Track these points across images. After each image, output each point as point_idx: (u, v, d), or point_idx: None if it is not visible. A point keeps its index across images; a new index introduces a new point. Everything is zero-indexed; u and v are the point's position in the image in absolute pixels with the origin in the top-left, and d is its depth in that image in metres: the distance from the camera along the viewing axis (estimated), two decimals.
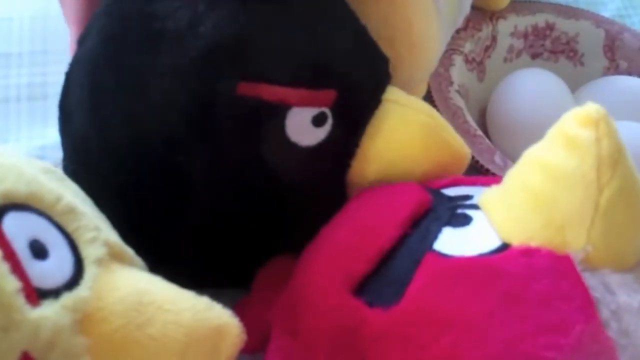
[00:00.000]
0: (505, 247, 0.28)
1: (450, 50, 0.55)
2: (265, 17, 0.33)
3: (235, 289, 0.37)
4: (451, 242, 0.29)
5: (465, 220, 0.30)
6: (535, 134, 0.30)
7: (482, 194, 0.31)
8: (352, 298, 0.28)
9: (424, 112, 0.37)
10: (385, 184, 0.35)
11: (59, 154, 0.38)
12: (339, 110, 0.35)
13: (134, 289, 0.26)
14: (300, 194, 0.35)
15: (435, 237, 0.29)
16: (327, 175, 0.36)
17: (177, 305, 0.26)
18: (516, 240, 0.28)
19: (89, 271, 0.26)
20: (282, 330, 0.31)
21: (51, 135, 0.41)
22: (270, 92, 0.33)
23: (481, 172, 0.47)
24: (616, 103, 0.56)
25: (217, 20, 0.33)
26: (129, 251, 0.29)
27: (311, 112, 0.34)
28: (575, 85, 0.58)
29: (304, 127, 0.34)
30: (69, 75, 0.37)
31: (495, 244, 0.28)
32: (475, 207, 0.31)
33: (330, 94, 0.34)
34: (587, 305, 0.25)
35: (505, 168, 0.46)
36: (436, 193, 0.33)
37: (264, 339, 0.33)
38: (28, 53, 0.52)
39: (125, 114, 0.34)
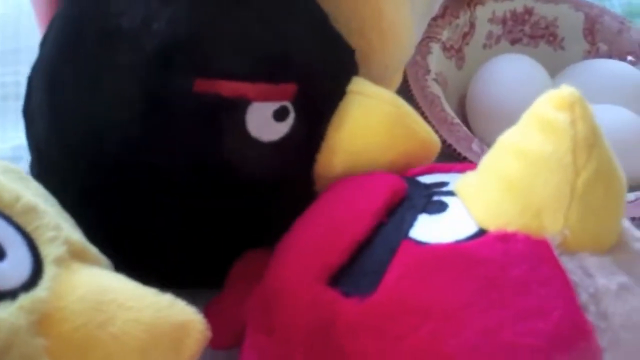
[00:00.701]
0: (481, 233, 0.27)
1: (427, 38, 0.55)
2: (221, 12, 0.33)
3: (211, 288, 0.36)
4: (427, 229, 0.28)
5: (441, 207, 0.29)
6: (515, 120, 0.29)
7: (457, 181, 0.31)
8: (328, 290, 0.28)
9: (389, 102, 0.36)
10: (355, 175, 0.34)
11: None
12: (300, 104, 0.34)
13: (94, 287, 0.26)
14: (267, 190, 0.35)
15: (411, 225, 0.29)
16: (293, 170, 0.35)
17: (139, 303, 0.26)
18: (493, 226, 0.27)
19: (49, 271, 0.26)
20: (257, 327, 0.31)
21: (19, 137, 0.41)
22: (229, 87, 0.32)
23: (459, 160, 0.47)
24: (596, 86, 0.56)
25: (171, 16, 0.32)
26: (93, 250, 0.29)
27: (272, 106, 0.34)
28: (556, 70, 0.58)
29: (265, 122, 0.34)
30: (30, 80, 0.37)
31: (471, 230, 0.28)
32: (451, 193, 0.30)
33: (291, 88, 0.34)
34: (565, 290, 0.25)
35: (483, 155, 0.45)
36: (411, 181, 0.33)
37: (238, 334, 0.32)
38: (0, 52, 0.52)
39: (82, 114, 0.34)
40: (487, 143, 0.49)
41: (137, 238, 0.35)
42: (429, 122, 0.49)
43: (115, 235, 0.33)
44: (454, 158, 0.47)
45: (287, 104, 0.34)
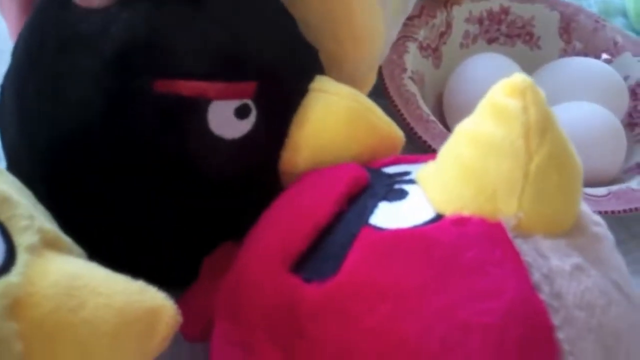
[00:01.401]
0: (438, 217, 0.28)
1: (404, 37, 0.56)
2: (178, 15, 0.33)
3: (181, 285, 0.36)
4: (387, 216, 0.29)
5: (402, 195, 0.30)
6: None
7: (418, 169, 0.31)
8: (290, 276, 0.28)
9: (350, 97, 0.37)
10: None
11: None
12: (261, 102, 0.35)
13: (66, 273, 0.26)
14: (234, 187, 0.35)
15: (371, 212, 0.29)
16: (258, 167, 0.36)
17: (110, 289, 0.26)
18: (449, 210, 0.28)
19: (21, 258, 0.26)
20: (224, 314, 0.31)
21: None
22: (188, 87, 0.33)
23: None
24: (572, 84, 0.56)
25: (128, 20, 0.33)
26: (66, 240, 0.29)
27: (233, 104, 0.34)
28: (533, 69, 0.58)
29: (227, 120, 0.34)
30: (2, 88, 0.38)
31: (429, 215, 0.28)
32: (412, 182, 0.31)
33: (250, 86, 0.34)
34: (518, 270, 0.25)
35: None
36: (374, 171, 0.33)
37: (210, 324, 0.33)
38: None
39: (47, 120, 0.34)
40: None
41: (105, 240, 0.35)
42: (404, 120, 0.50)
43: (86, 241, 0.33)
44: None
45: (248, 101, 0.35)
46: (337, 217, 0.30)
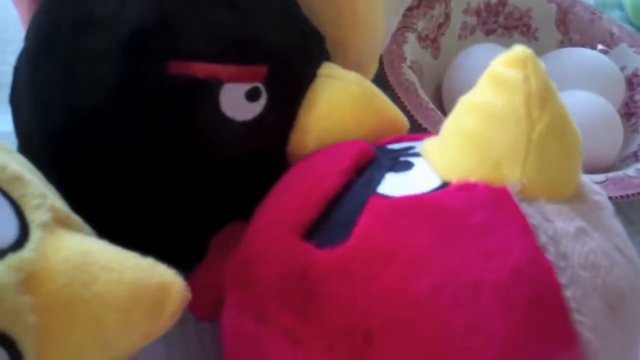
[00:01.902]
0: (445, 185, 0.29)
1: (403, 27, 0.56)
2: None
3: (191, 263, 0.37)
4: (394, 185, 0.30)
5: (407, 166, 0.31)
6: None
7: (423, 143, 0.32)
8: (301, 243, 0.29)
9: (356, 82, 0.37)
10: None
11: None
12: (272, 85, 0.35)
13: (78, 250, 0.27)
14: (241, 168, 0.36)
15: (378, 182, 0.30)
16: (267, 149, 0.37)
17: (121, 265, 0.27)
18: (454, 178, 0.28)
19: (35, 234, 0.27)
20: (235, 283, 0.32)
21: (10, 122, 0.42)
22: (201, 69, 0.33)
23: None
24: (569, 74, 0.57)
25: (143, 2, 0.33)
26: (77, 218, 0.30)
27: (244, 87, 0.35)
28: None
29: (238, 103, 0.35)
30: (16, 69, 0.38)
31: (435, 183, 0.29)
32: (417, 155, 0.32)
33: (262, 69, 0.35)
34: (524, 232, 0.26)
35: None
36: (380, 147, 0.34)
37: (219, 301, 0.33)
38: None
39: (61, 100, 0.35)
40: None
41: (113, 222, 0.36)
42: (404, 107, 0.50)
43: (94, 222, 0.34)
44: None
45: (259, 85, 0.35)
46: (346, 188, 0.30)
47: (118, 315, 0.27)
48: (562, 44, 0.63)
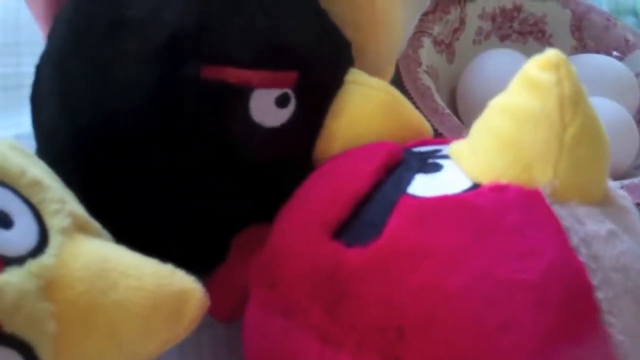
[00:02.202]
0: (476, 186, 0.29)
1: (419, 32, 0.56)
2: (226, 3, 0.34)
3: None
4: (424, 186, 0.30)
5: (437, 168, 0.31)
6: None
7: (450, 145, 0.32)
8: (331, 242, 0.29)
9: (384, 90, 0.37)
10: None
11: (33, 142, 0.39)
12: (301, 92, 0.36)
13: (97, 256, 0.27)
14: (267, 172, 0.36)
15: (408, 183, 0.30)
16: (294, 154, 0.37)
17: (140, 271, 0.27)
18: (486, 180, 0.28)
19: (54, 240, 0.26)
20: (260, 284, 0.32)
21: (25, 124, 0.42)
22: (233, 74, 0.33)
23: None
24: (584, 80, 0.56)
25: (179, 7, 0.33)
26: (95, 224, 0.30)
27: (274, 93, 0.35)
28: None
29: (268, 108, 0.35)
30: (39, 69, 0.38)
31: (466, 185, 0.29)
32: (445, 157, 0.32)
33: (292, 75, 0.35)
34: (557, 233, 0.26)
35: None
36: (407, 150, 0.34)
37: (240, 303, 0.33)
38: (1, 44, 0.53)
39: (93, 101, 0.34)
40: None
41: (140, 225, 0.36)
42: (421, 112, 0.50)
43: (116, 223, 0.34)
44: None
45: (289, 91, 0.35)
46: (375, 188, 0.30)
47: (137, 322, 0.27)
48: (576, 50, 0.62)
